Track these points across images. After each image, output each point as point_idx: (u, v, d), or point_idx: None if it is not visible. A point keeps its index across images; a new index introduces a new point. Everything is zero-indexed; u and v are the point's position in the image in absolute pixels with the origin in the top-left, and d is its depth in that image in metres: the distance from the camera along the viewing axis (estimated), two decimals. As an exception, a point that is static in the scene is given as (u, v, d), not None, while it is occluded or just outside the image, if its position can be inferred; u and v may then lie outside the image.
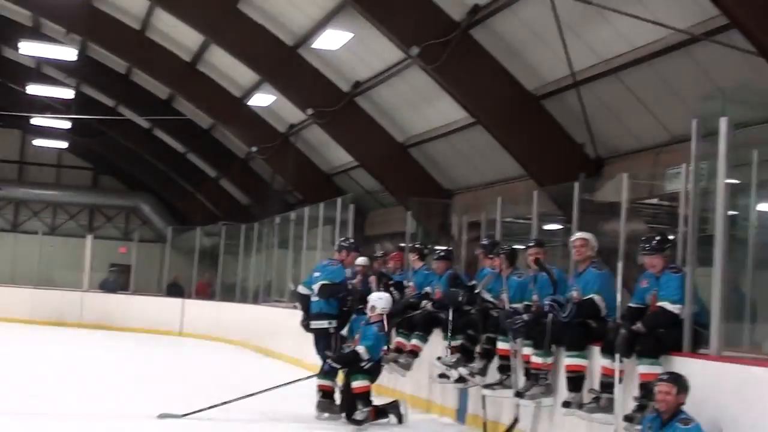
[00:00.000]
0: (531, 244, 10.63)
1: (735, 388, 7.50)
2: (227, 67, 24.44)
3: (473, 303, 11.25)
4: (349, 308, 12.44)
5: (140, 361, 18.98)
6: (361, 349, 11.58)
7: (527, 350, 10.00)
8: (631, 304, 8.92)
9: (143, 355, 20.45)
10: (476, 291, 11.32)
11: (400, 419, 11.84)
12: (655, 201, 14.53)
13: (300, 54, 21.06)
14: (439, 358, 11.79)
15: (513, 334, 10.26)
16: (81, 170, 39.13)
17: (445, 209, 20.34)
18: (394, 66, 19.01)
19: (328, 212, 19.36)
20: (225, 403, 11.67)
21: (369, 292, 12.78)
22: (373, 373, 11.76)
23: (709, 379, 7.77)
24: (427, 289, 12.96)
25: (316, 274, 12.66)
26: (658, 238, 8.79)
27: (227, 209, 33.82)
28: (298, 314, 13.22)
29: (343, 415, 11.67)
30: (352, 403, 11.54)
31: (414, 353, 12.68)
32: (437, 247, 13.88)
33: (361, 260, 13.99)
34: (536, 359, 9.78)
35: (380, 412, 11.72)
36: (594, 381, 9.10)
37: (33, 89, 28.95)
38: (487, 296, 11.16)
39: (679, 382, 7.46)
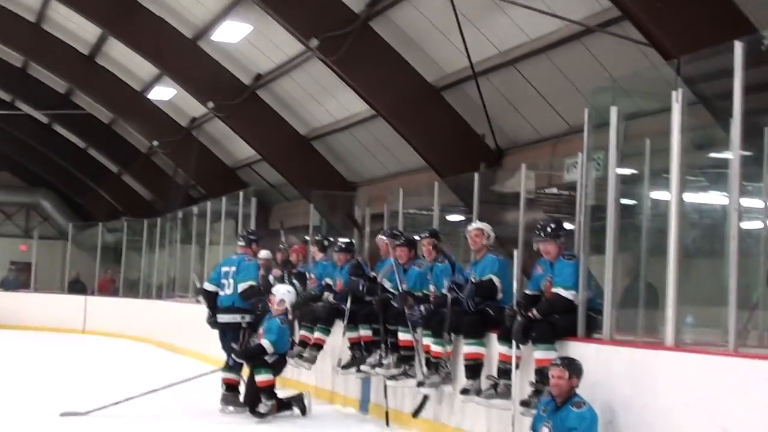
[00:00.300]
0: (425, 235, 10.73)
1: (626, 371, 7.65)
2: (126, 60, 24.18)
3: (374, 293, 11.31)
4: (264, 309, 12.32)
5: (42, 360, 18.71)
6: (266, 343, 11.56)
7: (427, 340, 10.08)
8: (527, 291, 9.04)
9: (45, 354, 20.15)
10: (377, 280, 11.40)
11: (303, 411, 11.85)
12: (554, 191, 14.69)
13: (200, 46, 20.96)
14: (355, 360, 11.81)
15: (412, 325, 10.37)
16: (-22, 167, 38.43)
17: (349, 202, 20.40)
18: (295, 58, 19.01)
19: (232, 206, 19.27)
20: (129, 399, 11.56)
21: (270, 285, 12.78)
22: (276, 367, 11.74)
23: (603, 363, 7.91)
24: (328, 280, 13.00)
25: (226, 269, 12.52)
26: (552, 225, 8.90)
27: (130, 205, 33.50)
28: (202, 309, 13.11)
29: (247, 408, 11.65)
30: (255, 396, 11.52)
31: (318, 346, 12.71)
32: (340, 240, 13.92)
33: (263, 253, 13.97)
34: (436, 348, 9.85)
35: (284, 405, 11.71)
36: (492, 368, 9.20)
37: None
38: (388, 286, 11.22)
39: (571, 367, 7.57)
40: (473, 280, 9.63)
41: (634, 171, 9.49)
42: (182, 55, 21.17)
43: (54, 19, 23.90)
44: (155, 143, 27.39)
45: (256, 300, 12.22)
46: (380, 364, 11.13)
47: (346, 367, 12.03)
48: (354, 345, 11.86)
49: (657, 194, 9.06)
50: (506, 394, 8.86)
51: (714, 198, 9.51)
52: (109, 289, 29.13)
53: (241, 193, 18.53)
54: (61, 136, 32.91)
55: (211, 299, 12.56)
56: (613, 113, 8.26)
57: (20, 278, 31.43)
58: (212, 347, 13.27)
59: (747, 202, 8.68)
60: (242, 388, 12.09)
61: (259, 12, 17.32)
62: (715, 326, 7.87)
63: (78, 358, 19.80)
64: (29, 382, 14.63)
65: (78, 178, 35.24)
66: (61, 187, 37.18)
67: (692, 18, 10.83)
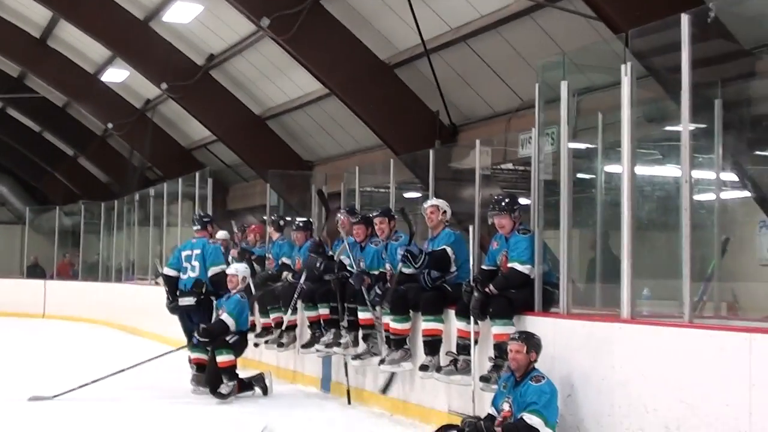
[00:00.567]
0: (376, 213, 10.75)
1: (584, 344, 7.71)
2: (78, 43, 23.96)
3: (331, 271, 11.31)
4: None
5: (4, 345, 18.57)
6: (227, 318, 11.58)
7: (386, 318, 10.11)
8: (483, 267, 9.07)
9: (6, 339, 19.99)
10: (333, 258, 11.42)
11: (265, 391, 11.88)
12: (510, 166, 14.77)
13: (151, 27, 20.81)
14: (315, 338, 11.82)
15: (371, 304, 10.41)
16: (-68, 153, 37.93)
17: (306, 181, 20.37)
18: (247, 38, 18.95)
19: (188, 187, 19.18)
20: (96, 381, 11.52)
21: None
22: (237, 348, 11.75)
23: (560, 337, 7.98)
24: (285, 260, 13.00)
25: (187, 252, 12.44)
26: (506, 199, 8.93)
27: (87, 188, 33.28)
28: (162, 291, 13.05)
29: (208, 389, 11.65)
30: (216, 377, 11.53)
31: (279, 325, 12.72)
32: (297, 219, 13.91)
33: (221, 234, 13.94)
34: (395, 325, 9.88)
35: (245, 386, 11.72)
36: (451, 344, 9.25)
37: None
38: (347, 263, 11.23)
39: (529, 341, 7.61)
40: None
41: (588, 145, 9.56)
42: (134, 36, 21.01)
43: (3, 2, 23.60)
44: (110, 126, 27.23)
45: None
46: (337, 344, 11.17)
47: (306, 346, 12.05)
48: (313, 324, 11.88)
49: (611, 168, 9.13)
50: (466, 369, 8.90)
51: (667, 171, 9.59)
52: (68, 272, 28.96)
53: (197, 174, 18.47)
54: (16, 120, 32.59)
55: (173, 284, 12.52)
56: (564, 88, 8.30)
57: (-23, 264, 31.17)
58: (173, 329, 13.25)
59: (699, 174, 8.78)
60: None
61: (209, -9, 17.25)
62: (672, 298, 7.93)
63: (40, 342, 19.65)
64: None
65: (34, 161, 34.91)
66: (17, 171, 36.78)
67: (641, -9, 10.88)
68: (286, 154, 22.20)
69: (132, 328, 21.29)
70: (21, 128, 33.02)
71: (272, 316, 12.86)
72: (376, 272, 10.57)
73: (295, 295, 12.02)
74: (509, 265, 8.63)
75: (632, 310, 7.47)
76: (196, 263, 12.29)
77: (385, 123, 16.93)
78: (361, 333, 10.83)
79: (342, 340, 11.09)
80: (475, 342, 8.76)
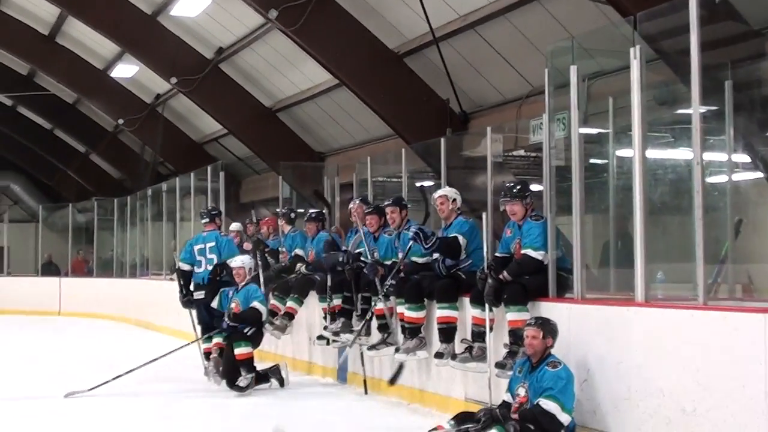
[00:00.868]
0: (387, 203, 10.75)
1: (599, 328, 7.71)
2: (87, 39, 23.98)
3: (348, 263, 11.31)
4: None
5: (25, 344, 18.66)
6: (259, 306, 11.66)
7: (401, 307, 10.13)
8: (497, 254, 9.07)
9: (27, 337, 20.12)
10: (347, 250, 11.44)
11: (281, 383, 11.91)
12: (522, 152, 14.74)
13: (160, 22, 20.81)
14: (325, 328, 11.81)
15: (384, 294, 10.41)
16: (-56, 153, 38.06)
17: (318, 172, 20.38)
18: (256, 30, 18.94)
19: (200, 182, 19.20)
20: (127, 372, 11.61)
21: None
22: (255, 340, 11.80)
23: (575, 322, 7.98)
24: (298, 251, 13.02)
25: (199, 246, 12.60)
26: (518, 186, 8.93)
27: (99, 184, 33.37)
28: (176, 286, 13.13)
29: (224, 381, 11.69)
30: (234, 370, 11.56)
31: (290, 315, 12.74)
32: (310, 210, 13.92)
33: (234, 226, 14.01)
34: (409, 314, 9.90)
35: (261, 377, 11.76)
36: (466, 331, 9.25)
37: None
38: (361, 252, 11.24)
39: (545, 327, 7.61)
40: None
41: (599, 130, 9.54)
42: (142, 31, 21.01)
43: (11, 0, 23.67)
44: (120, 121, 27.26)
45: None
46: (348, 331, 11.19)
47: (321, 337, 12.08)
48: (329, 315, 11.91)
49: (623, 152, 9.12)
50: (481, 357, 8.91)
51: (679, 154, 9.57)
52: (82, 269, 29.02)
53: (209, 168, 18.50)
54: (27, 118, 32.65)
55: (187, 278, 12.65)
56: (573, 73, 8.27)
57: (-7, 263, 31.26)
58: (189, 324, 13.31)
59: (711, 156, 8.77)
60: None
61: (216, -16, 17.27)
62: (686, 281, 7.92)
63: (60, 340, 19.74)
64: (21, 366, 14.61)
65: (46, 159, 35.00)
66: (30, 169, 36.90)
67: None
68: (297, 145, 22.21)
69: (148, 323, 21.36)
70: (32, 126, 33.09)
71: (288, 304, 12.83)
72: (389, 262, 10.57)
73: (328, 297, 11.96)
74: (522, 251, 8.64)
75: (647, 293, 7.46)
76: (212, 255, 12.41)
77: (395, 112, 16.91)
78: (375, 323, 10.85)
79: (354, 328, 11.11)
80: (490, 329, 8.76)
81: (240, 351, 11.51)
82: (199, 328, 12.92)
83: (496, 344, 8.73)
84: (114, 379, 11.37)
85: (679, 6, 7.08)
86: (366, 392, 11.20)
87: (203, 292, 12.49)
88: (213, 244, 12.57)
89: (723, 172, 9.02)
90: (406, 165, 12.74)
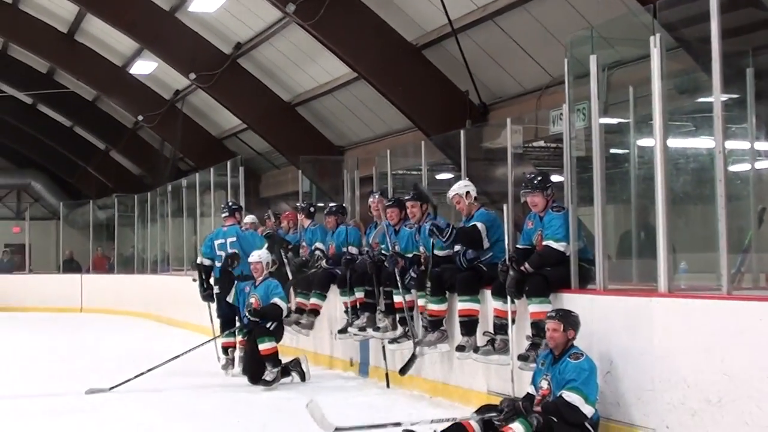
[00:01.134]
0: (407, 198, 10.69)
1: (622, 319, 7.67)
2: (106, 36, 24.04)
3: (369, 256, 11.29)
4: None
5: (47, 340, 18.71)
6: (280, 302, 11.66)
7: (421, 301, 10.09)
8: (518, 246, 9.02)
9: (49, 334, 20.19)
10: (369, 243, 11.42)
11: (303, 377, 11.90)
12: (542, 143, 14.68)
13: (178, 18, 20.84)
14: (350, 324, 11.78)
15: (404, 288, 10.38)
16: (-34, 151, 38.23)
17: (338, 166, 20.36)
18: (274, 25, 18.94)
19: (220, 177, 19.22)
20: (149, 370, 11.59)
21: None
22: (277, 334, 11.80)
23: (598, 314, 7.92)
24: (319, 245, 12.99)
25: (220, 240, 12.65)
26: (539, 177, 8.89)
27: (119, 181, 33.43)
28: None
29: (247, 377, 11.69)
30: (259, 365, 11.56)
31: (315, 312, 12.74)
32: (330, 204, 13.90)
33: (249, 218, 14.02)
34: (431, 307, 9.87)
35: (283, 371, 11.75)
36: (488, 324, 9.21)
37: None
38: (381, 248, 11.21)
39: (566, 319, 7.55)
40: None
41: (620, 120, 9.48)
42: (161, 27, 21.06)
43: (30, -1, 23.78)
44: (140, 118, 27.31)
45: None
46: (373, 327, 11.16)
47: (342, 331, 12.05)
48: (348, 309, 11.89)
49: (644, 142, 9.06)
50: (503, 349, 8.88)
51: (701, 143, 9.50)
52: (103, 266, 29.12)
53: (228, 163, 18.51)
54: (47, 115, 32.77)
55: (208, 272, 12.69)
56: (593, 62, 8.22)
57: (15, 260, 31.35)
58: (209, 319, 13.33)
59: (733, 144, 8.69)
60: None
61: (233, -21, 17.25)
62: (709, 271, 7.86)
63: (82, 336, 19.80)
64: (44, 364, 14.65)
65: (66, 156, 35.11)
66: (50, 166, 37.04)
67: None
68: (316, 139, 22.21)
69: (169, 319, 21.39)
70: (52, 124, 33.22)
71: (311, 300, 12.82)
72: (410, 255, 10.54)
73: (349, 290, 11.89)
74: (544, 243, 8.59)
75: (670, 284, 7.41)
76: (233, 250, 12.40)
77: (414, 105, 16.88)
78: (397, 316, 10.82)
79: (380, 324, 11.08)
80: (512, 321, 8.73)
81: (264, 346, 11.51)
82: (217, 322, 12.95)
83: (519, 336, 8.70)
84: (135, 377, 11.38)
85: (700, -7, 7.03)
86: (388, 386, 11.16)
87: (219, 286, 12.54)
88: (234, 239, 12.59)
89: (745, 161, 8.96)
90: (426, 157, 12.68)
